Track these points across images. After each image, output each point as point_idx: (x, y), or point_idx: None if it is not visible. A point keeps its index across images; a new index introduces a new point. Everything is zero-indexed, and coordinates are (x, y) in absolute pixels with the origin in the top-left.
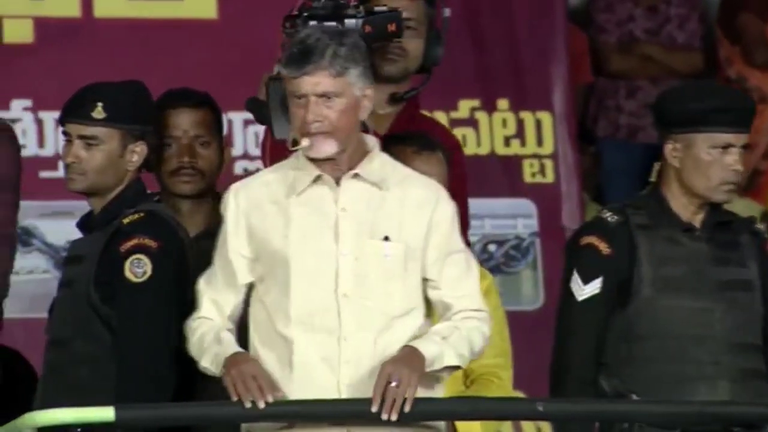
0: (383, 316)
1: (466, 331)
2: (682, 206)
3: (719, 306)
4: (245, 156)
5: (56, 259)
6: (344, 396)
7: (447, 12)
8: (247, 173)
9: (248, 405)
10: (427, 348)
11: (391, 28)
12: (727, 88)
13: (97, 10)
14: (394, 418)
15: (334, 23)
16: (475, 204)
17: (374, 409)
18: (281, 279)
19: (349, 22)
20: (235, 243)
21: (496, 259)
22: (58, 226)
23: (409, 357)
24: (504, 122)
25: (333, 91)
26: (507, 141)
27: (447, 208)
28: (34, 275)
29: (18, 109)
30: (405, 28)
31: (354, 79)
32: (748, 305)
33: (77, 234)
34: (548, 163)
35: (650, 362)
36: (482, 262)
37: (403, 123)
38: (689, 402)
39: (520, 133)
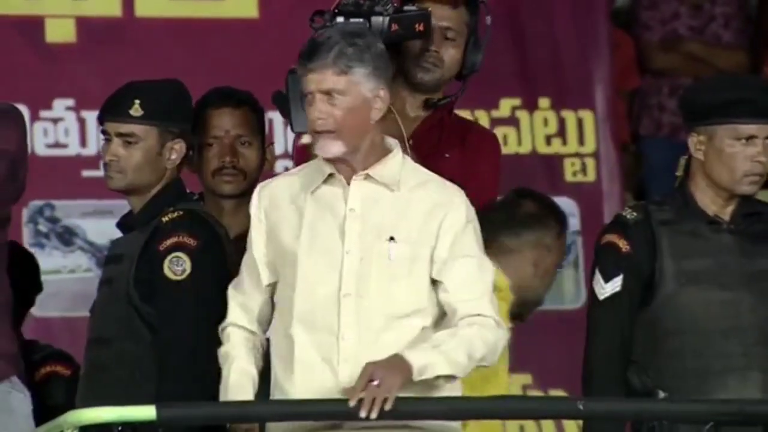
0: (383, 316)
1: (466, 338)
2: (709, 199)
3: (748, 297)
4: (286, 155)
5: (98, 258)
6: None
7: (489, 20)
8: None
9: None
10: (415, 356)
11: (419, 28)
12: (752, 78)
13: (139, 9)
14: (373, 416)
15: (360, 20)
16: None
17: (351, 404)
18: (290, 279)
19: (376, 20)
20: (258, 242)
21: None
22: (101, 225)
23: (394, 362)
24: (545, 121)
25: (336, 89)
26: (548, 140)
27: (461, 212)
28: (76, 274)
29: (60, 108)
30: (445, 38)
31: (360, 78)
32: None
33: (119, 233)
34: (590, 162)
35: (677, 356)
36: None
37: (433, 125)
38: (729, 401)
39: (561, 132)
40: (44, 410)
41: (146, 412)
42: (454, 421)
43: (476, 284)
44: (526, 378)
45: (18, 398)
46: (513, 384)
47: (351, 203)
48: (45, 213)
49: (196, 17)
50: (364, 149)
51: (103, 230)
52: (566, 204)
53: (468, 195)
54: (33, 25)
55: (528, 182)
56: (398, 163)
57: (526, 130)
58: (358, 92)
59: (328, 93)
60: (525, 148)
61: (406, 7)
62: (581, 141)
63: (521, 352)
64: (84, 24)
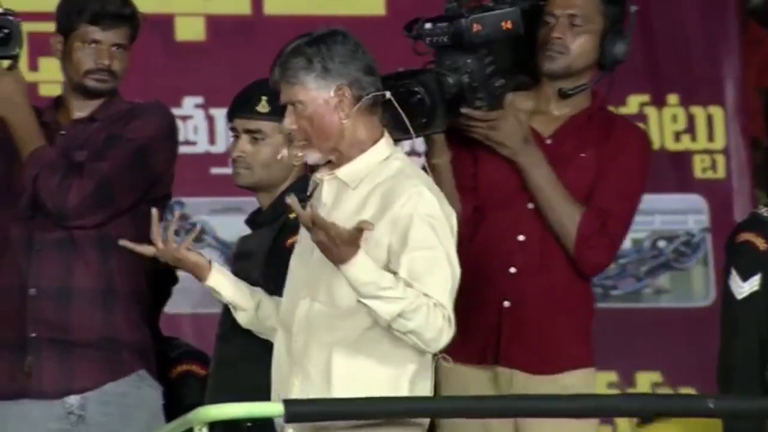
0: (326, 316)
1: (417, 302)
2: None
3: None
4: (412, 152)
5: (227, 255)
6: (296, 393)
7: (633, 8)
8: None
9: None
10: (364, 267)
11: (506, 26)
12: None
13: (267, 7)
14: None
15: (445, 24)
16: (644, 199)
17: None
18: None
19: (458, 22)
20: None
21: (666, 255)
22: (229, 222)
23: (350, 247)
24: (674, 117)
25: (294, 100)
26: (677, 136)
27: (414, 204)
28: None
29: (190, 106)
30: (571, 25)
31: (311, 84)
32: None
33: (247, 230)
34: (719, 159)
35: None
36: (652, 258)
37: (579, 124)
38: None
39: (690, 128)
40: (178, 408)
41: (273, 408)
42: (590, 418)
43: (428, 276)
44: (654, 376)
45: (148, 393)
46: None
47: (323, 203)
48: (174, 210)
49: (324, 15)
50: (344, 149)
51: (232, 227)
52: (695, 201)
53: (601, 194)
54: (163, 23)
55: (656, 179)
56: (368, 161)
57: (654, 126)
58: (313, 98)
59: (292, 104)
60: (653, 145)
61: (494, 6)
62: (711, 137)
63: (650, 350)
64: (213, 22)
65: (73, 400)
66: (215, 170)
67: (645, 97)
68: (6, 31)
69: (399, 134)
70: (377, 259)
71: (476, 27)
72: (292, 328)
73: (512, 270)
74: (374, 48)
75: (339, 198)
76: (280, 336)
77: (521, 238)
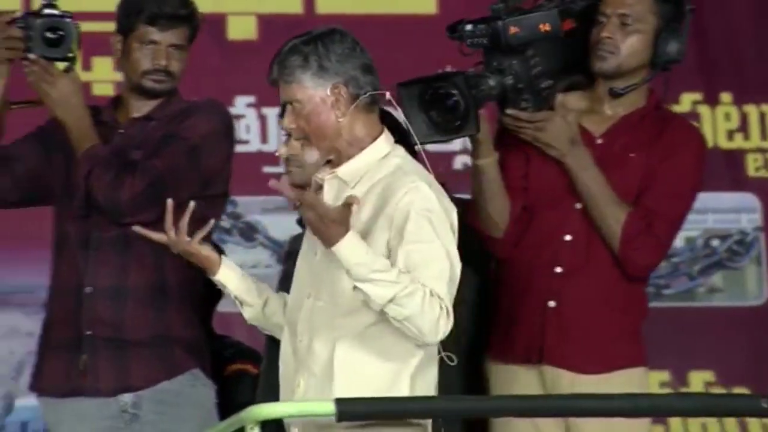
0: (328, 314)
1: (411, 287)
2: None
3: None
4: (465, 151)
5: (279, 254)
6: (302, 392)
7: (688, 8)
8: (467, 168)
9: None
10: (354, 248)
11: (544, 28)
12: None
13: (320, 6)
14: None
15: (484, 26)
16: (697, 198)
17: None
18: None
19: (495, 24)
20: None
21: (719, 254)
22: (281, 221)
23: (340, 226)
24: (727, 116)
25: (292, 99)
26: (730, 135)
27: (410, 199)
28: (258, 270)
29: (242, 105)
30: (622, 24)
31: (308, 82)
32: None
33: (299, 229)
34: None
35: None
36: (705, 257)
37: (632, 124)
38: None
39: (743, 127)
40: (231, 407)
41: (325, 407)
42: (642, 417)
43: (424, 268)
44: (707, 375)
45: (202, 392)
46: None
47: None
48: (227, 209)
49: (376, 13)
50: (343, 147)
51: (284, 226)
52: (748, 199)
53: (650, 194)
54: (215, 22)
55: (709, 177)
56: (367, 159)
57: (707, 124)
58: (310, 96)
59: (289, 103)
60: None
61: (529, 9)
62: (764, 136)
63: (703, 350)
64: (265, 21)
65: (127, 398)
66: (267, 169)
67: (698, 96)
68: (61, 32)
69: (435, 137)
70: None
71: (513, 29)
72: (297, 328)
73: (558, 270)
74: (424, 47)
75: (339, 197)
76: (286, 335)
77: (568, 238)
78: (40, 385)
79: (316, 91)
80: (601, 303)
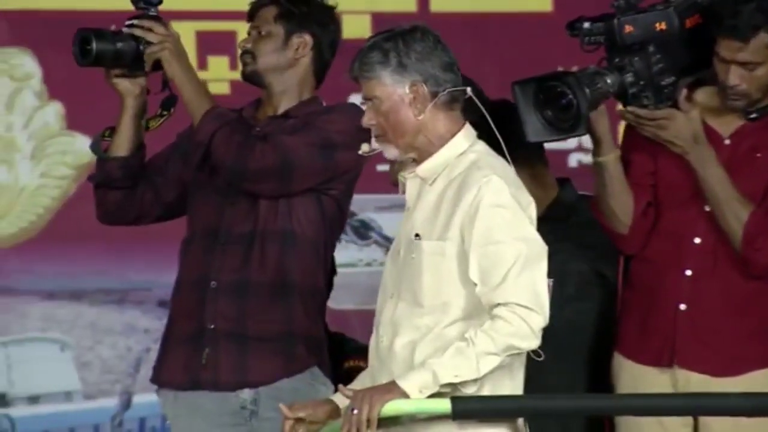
0: (408, 315)
1: (474, 341)
2: None
3: None
4: (580, 148)
5: None
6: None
7: None
8: (581, 165)
9: None
10: (410, 378)
11: (660, 27)
12: None
13: (434, 4)
14: None
15: (601, 24)
16: None
17: None
18: None
19: (609, 23)
20: None
21: None
22: (395, 219)
23: (380, 386)
24: None
25: (371, 95)
26: None
27: (484, 196)
28: (372, 267)
29: (356, 102)
30: (744, 66)
31: (387, 79)
32: None
33: None
34: None
35: None
36: None
37: (762, 122)
38: None
39: None
40: None
41: (441, 404)
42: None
43: (497, 269)
44: None
45: (320, 390)
46: None
47: (408, 202)
48: None
49: (491, 11)
50: (422, 145)
51: (398, 224)
52: None
53: None
54: None
55: None
56: (446, 156)
57: None
58: (389, 94)
59: (369, 100)
60: None
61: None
62: None
63: None
64: (379, 19)
65: (246, 394)
66: (381, 167)
67: None
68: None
69: (549, 135)
70: (446, 270)
71: (628, 28)
72: (379, 328)
73: (688, 273)
74: (540, 44)
75: (420, 196)
76: (373, 335)
77: (697, 240)
78: (159, 378)
79: (394, 88)
80: (731, 305)
